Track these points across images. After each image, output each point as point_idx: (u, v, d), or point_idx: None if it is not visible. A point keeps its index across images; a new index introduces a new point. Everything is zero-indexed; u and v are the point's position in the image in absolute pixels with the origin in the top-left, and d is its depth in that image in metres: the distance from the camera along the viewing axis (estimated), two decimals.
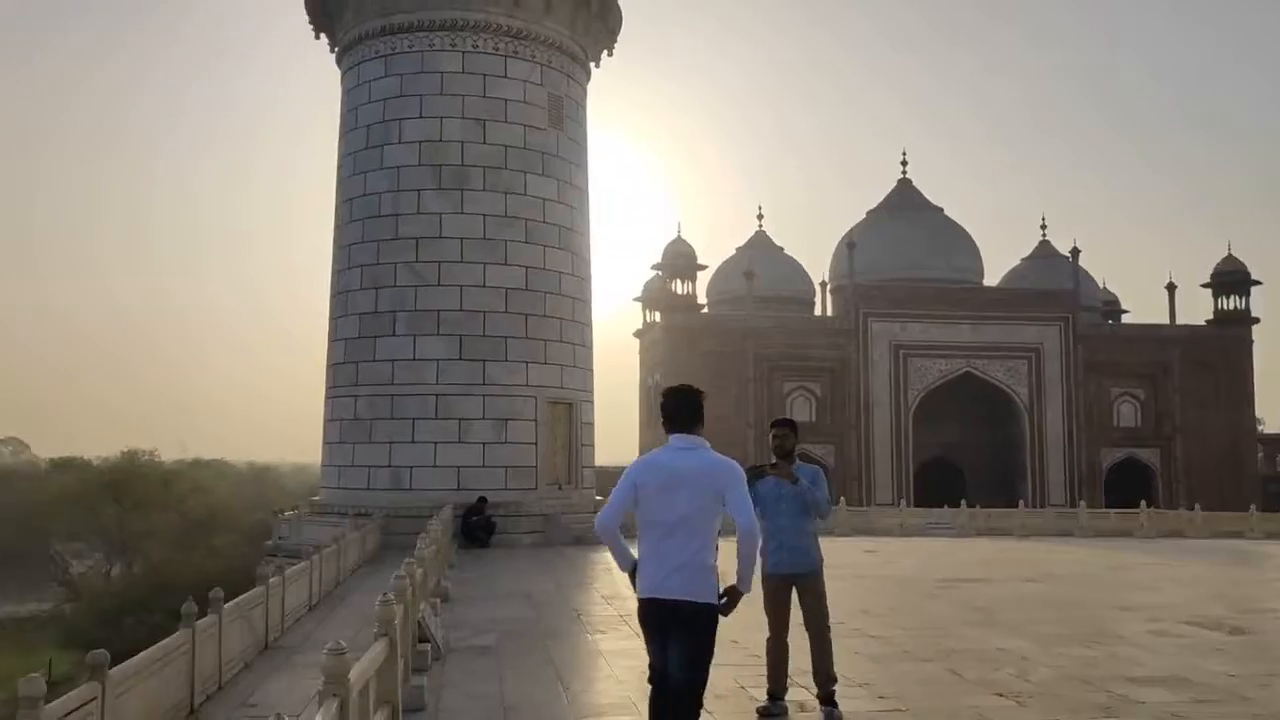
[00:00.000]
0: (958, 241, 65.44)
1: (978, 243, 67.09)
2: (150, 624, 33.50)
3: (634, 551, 5.28)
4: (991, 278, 66.62)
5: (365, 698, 5.71)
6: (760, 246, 67.39)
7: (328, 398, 27.30)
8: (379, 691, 6.26)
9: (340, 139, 28.25)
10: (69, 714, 5.82)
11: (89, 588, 54.78)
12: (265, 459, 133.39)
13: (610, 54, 30.20)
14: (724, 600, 5.18)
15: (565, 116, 27.84)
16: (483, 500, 24.23)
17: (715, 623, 5.13)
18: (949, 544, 28.46)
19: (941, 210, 67.36)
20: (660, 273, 62.19)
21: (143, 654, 7.27)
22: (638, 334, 65.99)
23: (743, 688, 8.34)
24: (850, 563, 20.39)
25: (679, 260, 61.16)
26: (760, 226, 70.12)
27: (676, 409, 5.27)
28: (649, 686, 5.27)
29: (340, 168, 27.99)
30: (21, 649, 50.53)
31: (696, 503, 5.03)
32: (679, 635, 5.04)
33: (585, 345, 28.26)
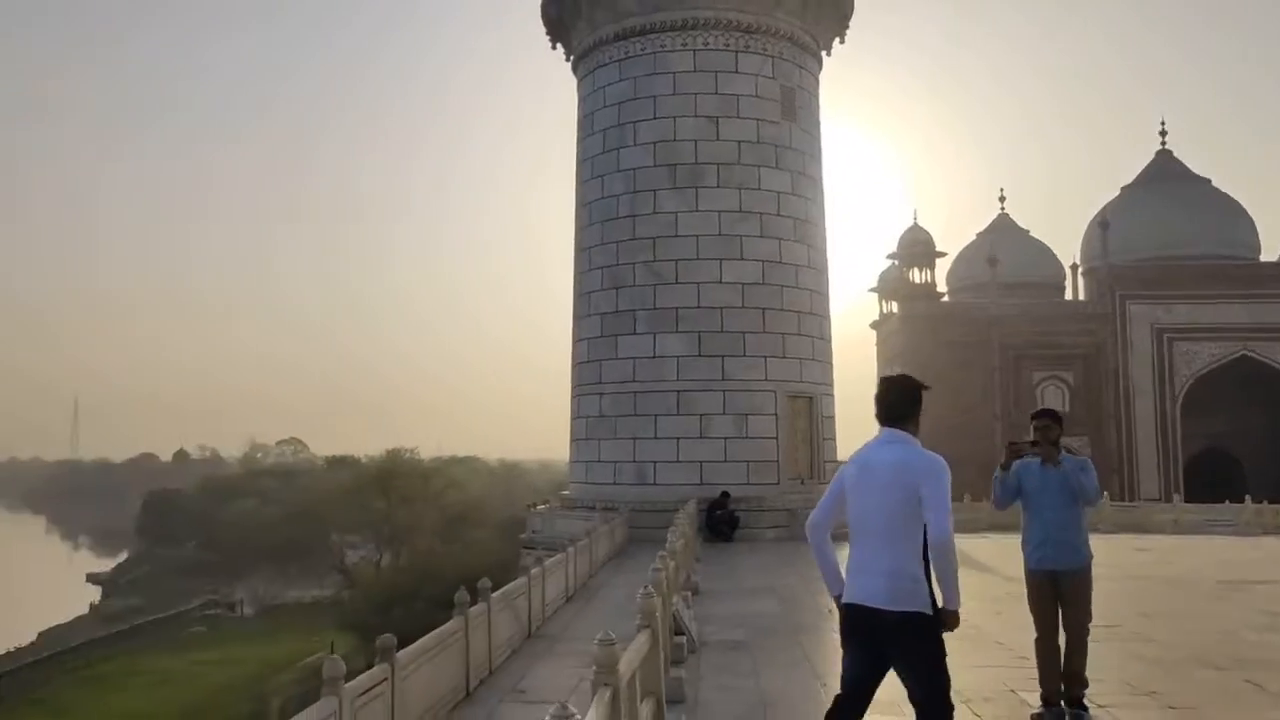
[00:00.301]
0: (1228, 214, 59.87)
1: (1252, 215, 61.17)
2: (415, 611, 35.78)
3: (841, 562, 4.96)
4: (1269, 252, 60.61)
5: (633, 688, 5.80)
6: (1003, 230, 64.27)
7: (573, 395, 28.22)
8: (644, 682, 6.35)
9: (578, 144, 29.12)
10: (365, 692, 6.25)
11: (362, 576, 59.16)
12: (514, 456, 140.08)
13: (842, 41, 29.63)
14: (935, 617, 4.74)
15: (798, 108, 27.54)
16: (725, 495, 24.34)
17: (931, 631, 4.69)
18: (1230, 542, 26.19)
19: (1208, 181, 61.87)
20: (897, 262, 60.53)
21: (423, 639, 7.72)
22: (874, 325, 64.48)
23: (1012, 691, 7.93)
24: (1120, 562, 19.10)
25: (916, 248, 59.30)
26: (1003, 209, 66.93)
27: (886, 400, 4.99)
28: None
29: (578, 172, 28.86)
30: (307, 630, 55.32)
31: (891, 501, 4.69)
32: (894, 651, 4.71)
33: (824, 338, 27.86)
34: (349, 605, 51.03)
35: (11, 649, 59.64)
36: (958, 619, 4.74)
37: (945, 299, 60.04)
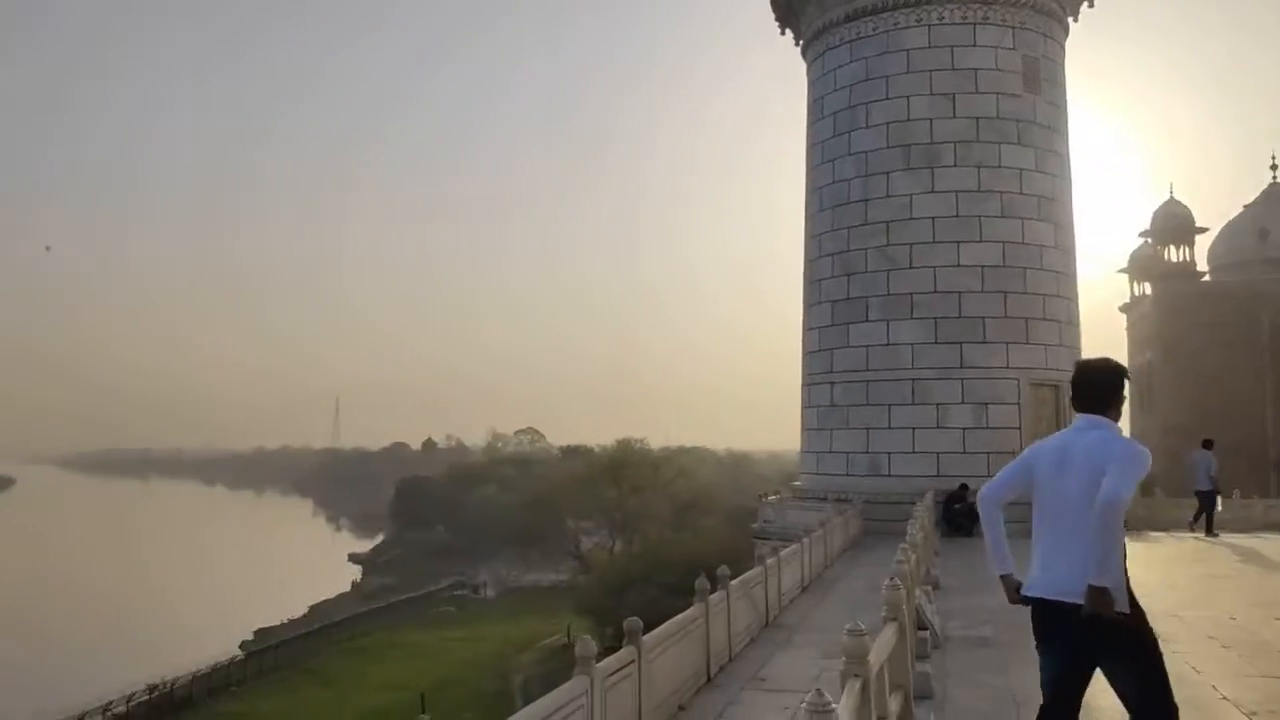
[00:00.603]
0: None
1: None
2: (649, 597, 36.44)
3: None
4: None
5: (882, 680, 5.63)
6: (1275, 200, 58.57)
7: (804, 385, 27.89)
8: (892, 675, 6.16)
9: (808, 130, 28.70)
10: (614, 673, 6.38)
11: (596, 562, 60.89)
12: (741, 446, 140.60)
13: (1091, 4, 27.77)
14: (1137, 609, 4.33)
15: (1042, 79, 26.06)
16: (964, 487, 23.37)
17: (1138, 628, 4.30)
18: None
19: None
20: (1149, 240, 56.33)
21: (666, 624, 7.80)
22: (1124, 309, 60.28)
23: None
24: None
25: (1171, 224, 54.99)
26: (1275, 178, 60.98)
27: (1084, 386, 4.63)
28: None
29: (808, 158, 28.45)
30: (545, 613, 57.57)
31: (1083, 487, 4.31)
32: (1098, 650, 4.33)
33: (1071, 322, 26.27)
34: (584, 590, 52.61)
35: (286, 620, 65.42)
36: (1108, 598, 4.20)
37: (1205, 278, 55.38)
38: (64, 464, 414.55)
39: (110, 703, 39.45)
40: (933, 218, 25.09)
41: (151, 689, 41.73)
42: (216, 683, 45.51)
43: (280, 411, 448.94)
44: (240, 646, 55.22)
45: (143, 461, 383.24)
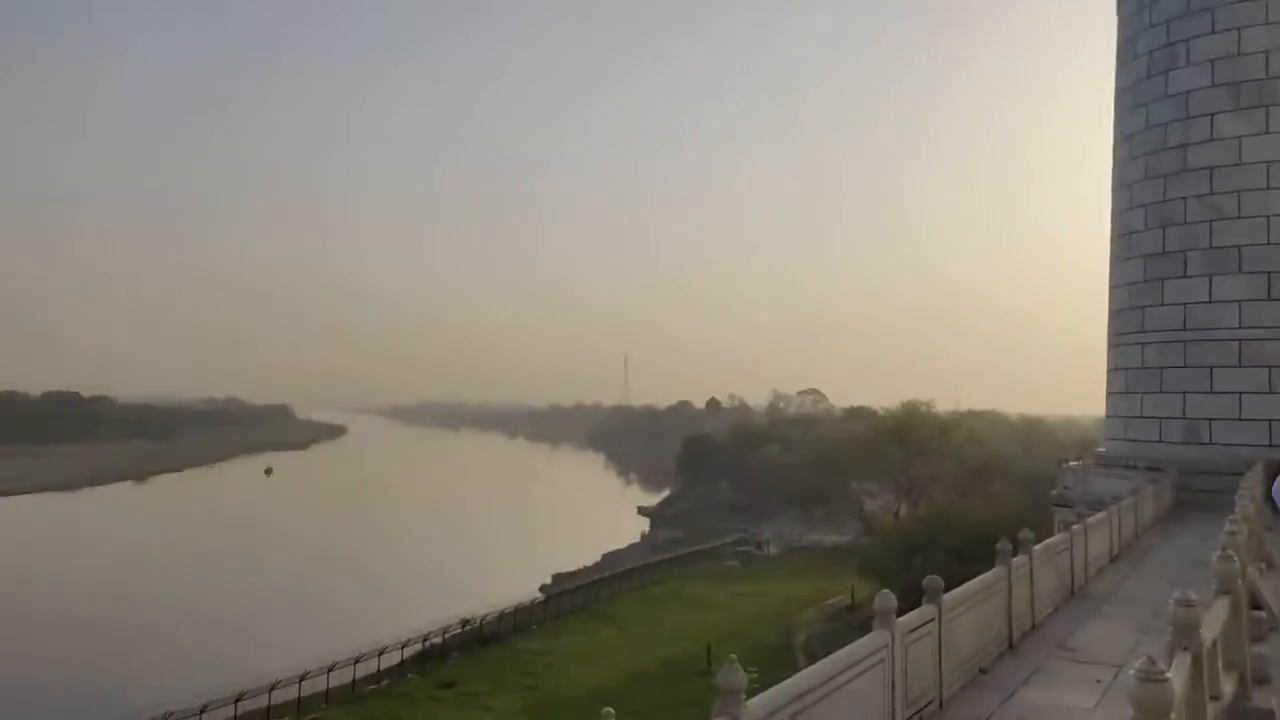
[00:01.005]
0: None
1: None
2: (935, 561, 35.47)
3: None
4: None
5: (1214, 656, 5.32)
6: None
7: (1110, 346, 26.12)
8: (1225, 653, 5.79)
9: (1117, 73, 26.61)
10: (915, 629, 6.40)
11: (880, 524, 60.07)
12: (1035, 411, 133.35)
13: None
14: None
15: None
16: None
17: None
18: None
19: None
20: None
21: (966, 585, 7.68)
22: None
23: None
24: None
25: None
26: None
27: None
28: None
29: (1117, 103, 26.40)
30: (828, 573, 57.50)
31: None
32: None
33: None
34: (868, 551, 52.08)
35: (580, 567, 69.16)
36: None
37: None
38: (387, 414, 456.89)
39: (428, 634, 43.39)
40: (1267, 162, 22.67)
41: (464, 623, 45.45)
42: (520, 621, 48.89)
43: (574, 370, 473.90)
44: (540, 589, 58.93)
45: (455, 414, 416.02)
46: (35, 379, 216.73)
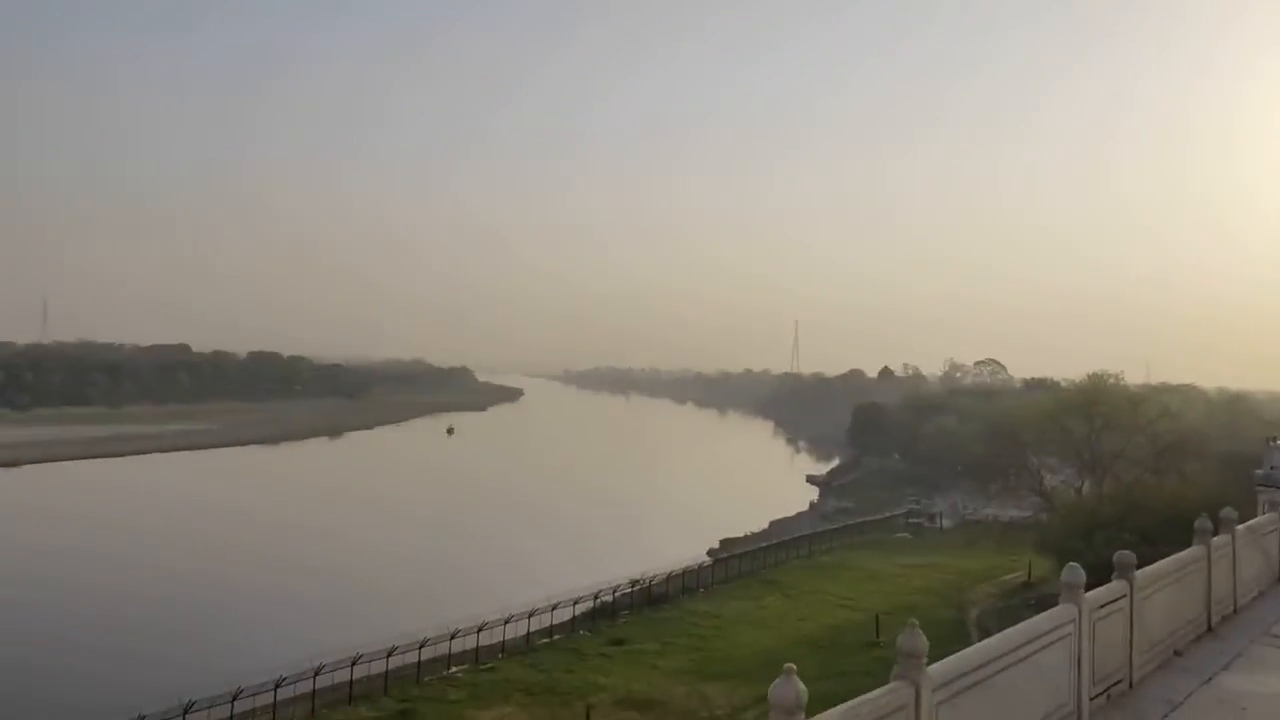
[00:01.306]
0: None
1: None
2: (1120, 542, 33.72)
3: None
4: None
5: None
6: None
7: None
8: None
9: None
10: (1104, 605, 6.17)
11: (1061, 500, 57.59)
12: (1238, 386, 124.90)
13: None
14: None
15: None
16: None
17: None
18: None
19: None
20: None
21: (1160, 563, 7.35)
22: None
23: None
24: None
25: None
26: None
27: None
28: None
29: None
30: (1003, 548, 55.63)
31: None
32: None
33: None
34: (1047, 528, 50.10)
35: (748, 533, 69.37)
36: None
37: None
38: (560, 379, 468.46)
39: (599, 592, 44.48)
40: None
41: (633, 583, 46.38)
42: (688, 584, 49.52)
43: (744, 337, 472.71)
44: (707, 553, 59.47)
45: (624, 379, 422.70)
46: (242, 340, 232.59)
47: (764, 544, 62.02)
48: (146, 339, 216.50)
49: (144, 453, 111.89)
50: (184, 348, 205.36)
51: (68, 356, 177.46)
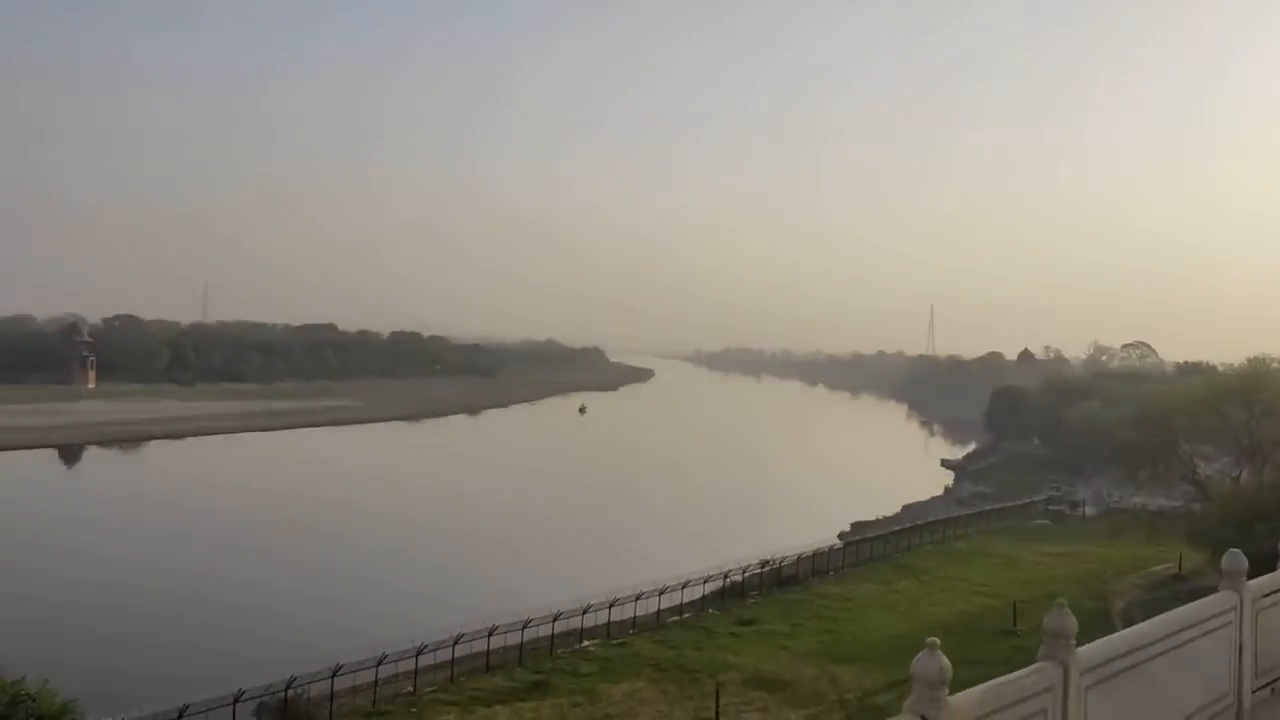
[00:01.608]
0: None
1: None
2: None
3: None
4: None
5: None
6: None
7: None
8: None
9: None
10: (1269, 594, 5.92)
11: (1217, 490, 54.86)
12: None
13: None
14: None
15: None
16: None
17: None
18: None
19: None
20: None
21: None
22: None
23: None
24: None
25: None
26: None
27: None
28: None
29: None
30: (1150, 539, 53.33)
31: None
32: None
33: None
34: (1200, 518, 47.81)
35: (879, 517, 68.39)
36: None
37: None
38: (690, 359, 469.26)
39: (729, 571, 44.57)
40: None
41: (763, 564, 46.32)
42: (818, 566, 49.17)
43: (877, 319, 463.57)
44: (838, 536, 58.89)
45: (755, 360, 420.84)
46: (385, 319, 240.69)
47: (896, 528, 61.03)
48: (297, 319, 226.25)
49: (294, 427, 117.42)
50: (331, 327, 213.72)
51: (226, 335, 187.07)
